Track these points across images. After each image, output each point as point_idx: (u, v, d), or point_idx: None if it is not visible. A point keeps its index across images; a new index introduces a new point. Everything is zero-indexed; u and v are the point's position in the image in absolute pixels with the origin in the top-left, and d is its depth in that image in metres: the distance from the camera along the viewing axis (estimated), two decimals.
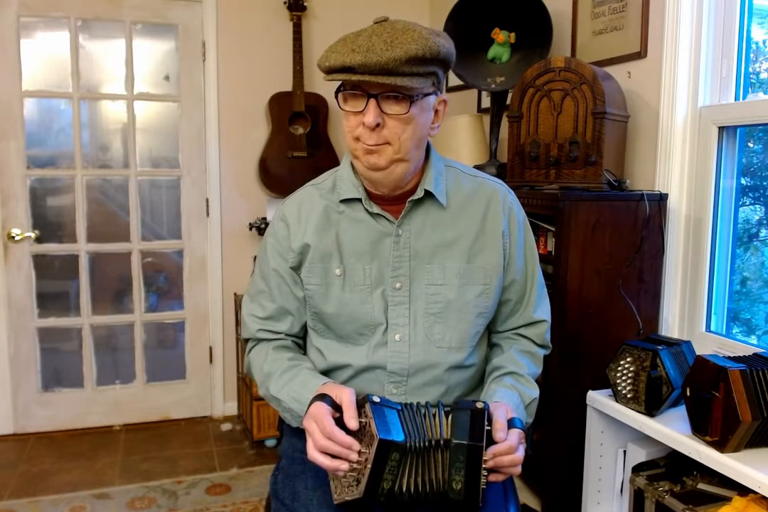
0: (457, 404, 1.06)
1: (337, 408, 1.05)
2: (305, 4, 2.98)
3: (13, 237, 2.84)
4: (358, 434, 1.02)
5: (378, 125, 1.10)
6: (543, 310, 1.32)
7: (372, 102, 1.09)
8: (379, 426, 0.99)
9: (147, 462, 2.71)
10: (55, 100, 2.89)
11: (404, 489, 1.01)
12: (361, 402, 1.04)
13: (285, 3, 2.98)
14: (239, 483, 2.54)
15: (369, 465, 0.98)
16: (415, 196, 1.21)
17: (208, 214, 3.08)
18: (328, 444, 1.00)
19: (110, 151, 2.99)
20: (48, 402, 2.99)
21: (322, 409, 1.03)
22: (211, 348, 3.17)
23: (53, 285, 2.99)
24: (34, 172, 2.87)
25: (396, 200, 1.22)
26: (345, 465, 0.99)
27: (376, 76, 1.04)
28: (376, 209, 1.21)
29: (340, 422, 1.02)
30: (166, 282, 3.14)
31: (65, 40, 2.83)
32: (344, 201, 1.23)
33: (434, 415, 1.06)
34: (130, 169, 2.98)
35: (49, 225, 2.92)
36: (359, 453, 0.99)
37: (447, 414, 1.05)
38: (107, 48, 2.91)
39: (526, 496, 2.00)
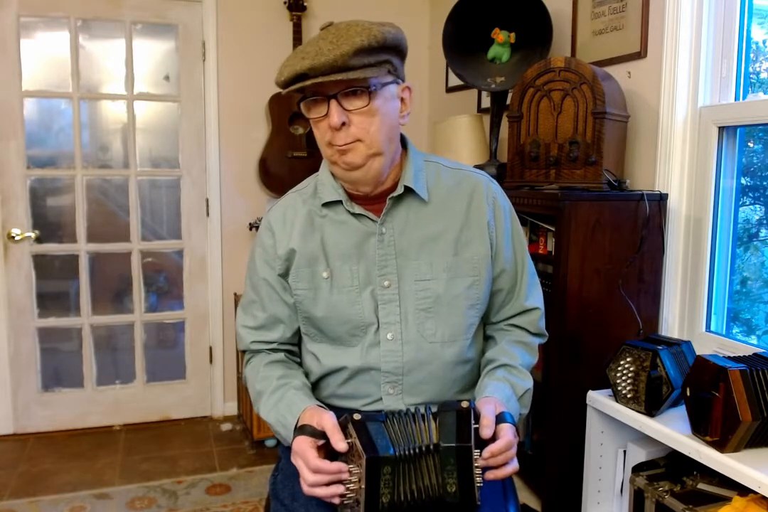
0: (443, 406, 1.06)
1: (320, 434, 1.05)
2: (305, 4, 2.98)
3: (13, 237, 2.84)
4: (348, 454, 1.02)
5: (344, 124, 1.11)
6: (535, 298, 1.32)
7: (333, 103, 1.10)
8: (365, 444, 0.99)
9: (147, 462, 2.71)
10: (55, 100, 2.89)
11: (402, 498, 1.01)
12: (344, 423, 1.04)
13: (285, 3, 2.98)
14: (239, 483, 2.54)
15: (363, 485, 0.99)
16: (395, 193, 1.21)
17: (208, 214, 3.08)
18: (317, 479, 1.02)
19: (110, 151, 2.99)
20: (48, 402, 2.99)
21: (303, 445, 1.04)
22: (211, 348, 3.17)
23: (53, 285, 2.99)
24: (34, 172, 2.87)
25: (377, 199, 1.23)
26: (341, 488, 1.01)
27: (327, 75, 1.06)
28: (357, 209, 1.22)
29: (329, 446, 1.04)
30: (166, 282, 3.14)
31: (65, 40, 2.83)
32: (326, 204, 1.24)
33: (422, 418, 1.05)
34: (130, 169, 2.98)
35: (49, 225, 2.92)
36: (352, 473, 1.00)
37: (434, 418, 1.05)
38: (107, 48, 2.91)
39: (526, 496, 2.00)
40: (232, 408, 3.21)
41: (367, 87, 1.10)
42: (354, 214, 1.22)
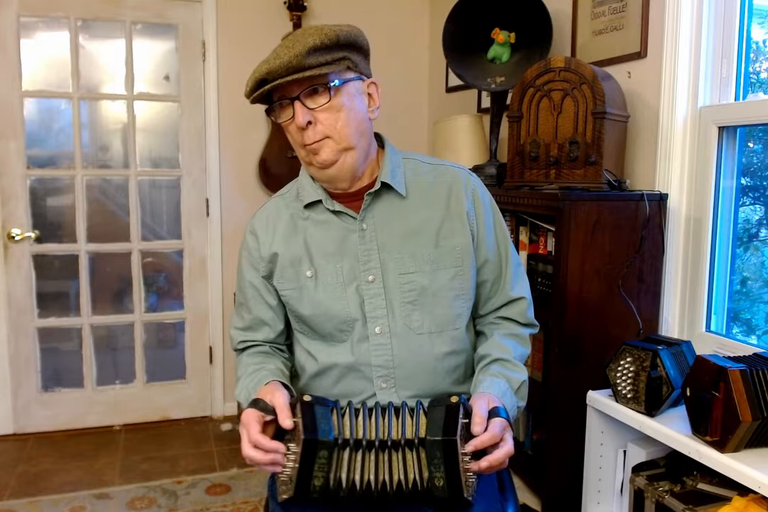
0: (434, 401, 1.09)
1: (271, 410, 1.08)
2: (305, 4, 2.98)
3: (13, 237, 2.84)
4: (292, 433, 1.05)
5: (310, 123, 1.15)
6: (521, 287, 1.33)
7: (297, 104, 1.14)
8: (306, 425, 1.02)
9: (147, 462, 2.71)
10: (55, 100, 2.89)
11: (344, 485, 1.04)
12: (294, 403, 1.07)
13: (285, 3, 2.98)
14: (239, 483, 2.54)
15: (297, 465, 1.01)
16: (373, 189, 1.23)
17: (208, 214, 3.08)
18: (251, 453, 1.04)
19: (110, 151, 2.99)
20: (48, 402, 2.99)
21: (249, 417, 1.07)
22: (211, 348, 3.17)
23: (53, 285, 2.99)
24: (34, 172, 2.87)
25: (356, 196, 1.25)
26: (278, 457, 1.03)
27: (285, 77, 1.10)
28: (337, 207, 1.25)
29: (278, 423, 1.07)
30: (166, 282, 3.14)
31: (65, 40, 2.83)
32: (308, 206, 1.27)
33: (383, 411, 1.08)
34: (130, 169, 2.98)
35: (49, 225, 2.92)
36: (292, 452, 1.03)
37: (426, 413, 1.06)
38: (107, 48, 2.91)
39: (526, 496, 2.00)
40: (232, 408, 3.21)
41: (326, 83, 1.13)
42: (335, 212, 1.25)
